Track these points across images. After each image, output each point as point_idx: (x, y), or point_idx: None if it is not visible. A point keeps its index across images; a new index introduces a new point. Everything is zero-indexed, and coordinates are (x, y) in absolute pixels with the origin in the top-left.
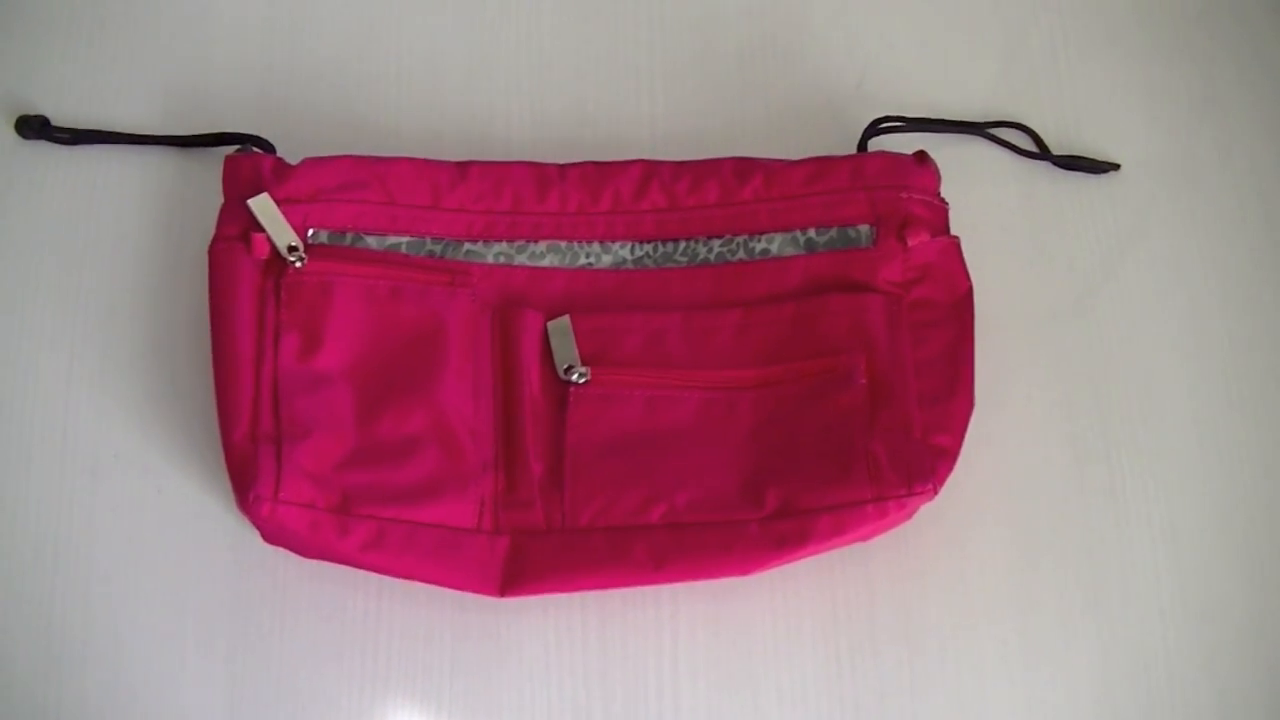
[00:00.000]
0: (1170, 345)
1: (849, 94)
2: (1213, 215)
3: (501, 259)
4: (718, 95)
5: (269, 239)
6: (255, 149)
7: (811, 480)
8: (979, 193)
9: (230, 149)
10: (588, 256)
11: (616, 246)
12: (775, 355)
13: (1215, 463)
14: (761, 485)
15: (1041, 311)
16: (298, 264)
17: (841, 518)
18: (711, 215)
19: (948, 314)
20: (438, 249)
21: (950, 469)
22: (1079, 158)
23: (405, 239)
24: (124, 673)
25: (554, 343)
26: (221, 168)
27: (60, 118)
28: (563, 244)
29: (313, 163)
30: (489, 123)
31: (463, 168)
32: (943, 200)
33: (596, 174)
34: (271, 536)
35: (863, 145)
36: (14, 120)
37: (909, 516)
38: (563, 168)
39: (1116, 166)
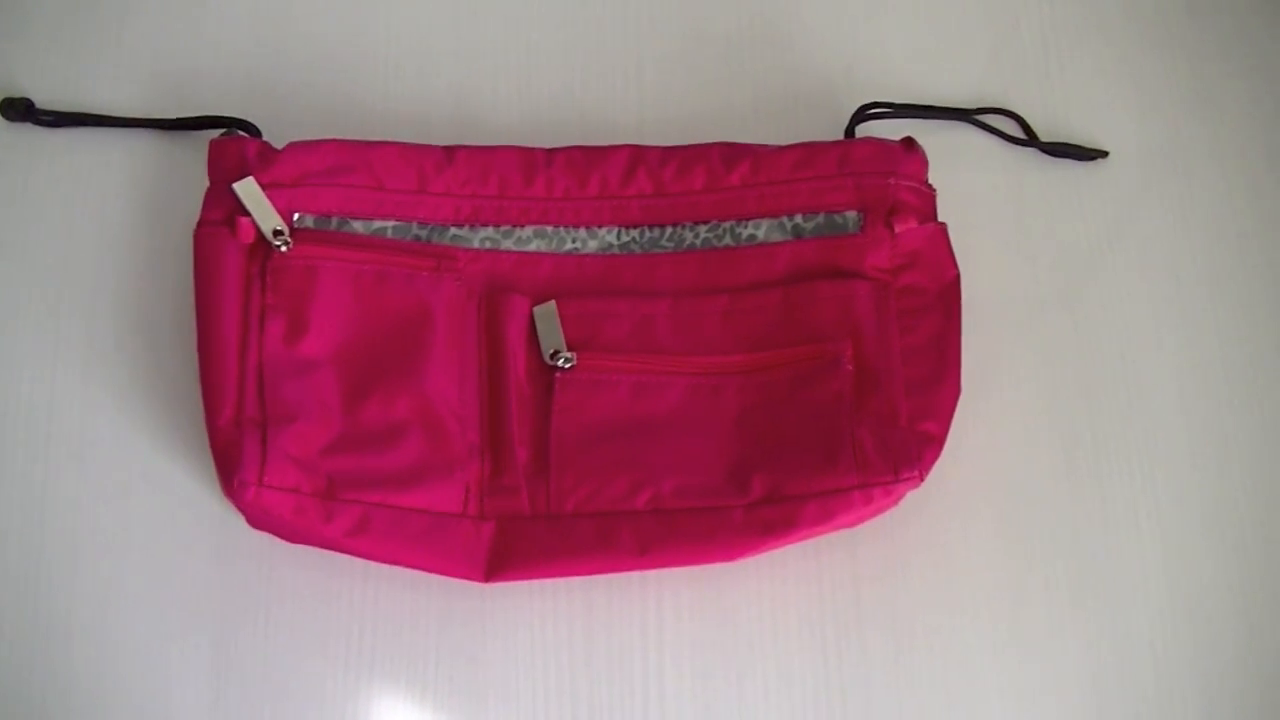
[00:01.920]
0: (1158, 333)
1: (837, 80)
2: (1201, 204)
3: (488, 244)
4: (705, 80)
5: (254, 223)
6: (241, 133)
7: (798, 466)
8: (967, 179)
9: (215, 133)
10: (574, 242)
11: (603, 232)
12: (762, 341)
13: (1202, 451)
14: (748, 471)
15: (1029, 298)
16: (283, 248)
17: (828, 504)
18: (698, 201)
19: (935, 301)
20: (424, 234)
21: (937, 456)
22: (1067, 145)
23: (391, 224)
24: (109, 656)
25: (540, 328)
26: (207, 151)
27: (45, 100)
28: (549, 229)
29: (298, 147)
30: (476, 107)
31: (449, 152)
32: (930, 186)
33: (584, 159)
34: (257, 521)
35: (850, 131)
36: None
37: (895, 503)
38: (550, 153)
39: (1105, 154)
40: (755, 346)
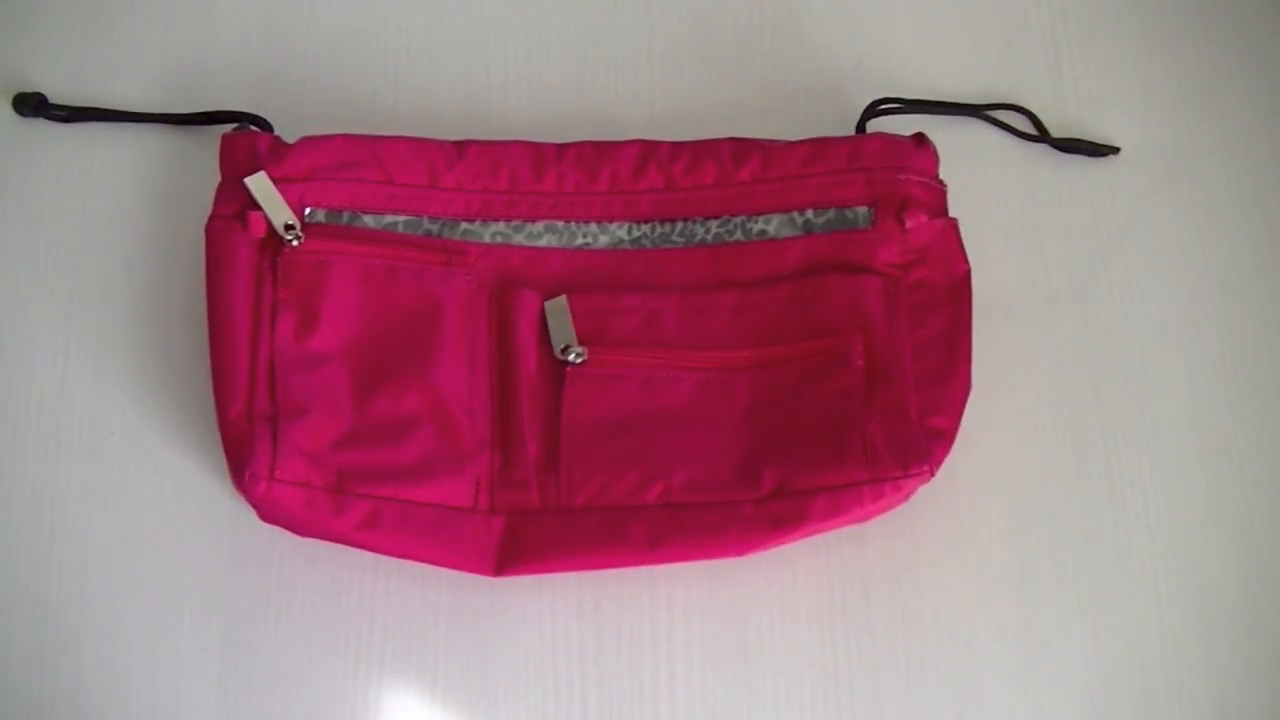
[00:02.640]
0: (1168, 330)
1: (848, 75)
2: (1212, 200)
3: (499, 239)
4: (716, 75)
5: (266, 217)
6: (252, 127)
7: (808, 461)
8: (978, 175)
9: (227, 127)
10: (585, 236)
11: (614, 227)
12: (772, 336)
13: (1211, 449)
14: (758, 466)
15: (1039, 295)
16: (294, 243)
17: (837, 499)
18: (709, 196)
19: (945, 296)
20: (435, 228)
21: (947, 451)
22: (1078, 141)
23: (402, 218)
24: (119, 650)
25: (551, 323)
26: (218, 146)
27: (57, 95)
28: (560, 224)
29: (310, 141)
30: (486, 102)
31: (460, 147)
32: (941, 182)
33: (594, 154)
34: (267, 515)
35: (861, 126)
36: (11, 98)
37: (905, 498)
38: (560, 147)
39: (1116, 150)
40: (765, 341)
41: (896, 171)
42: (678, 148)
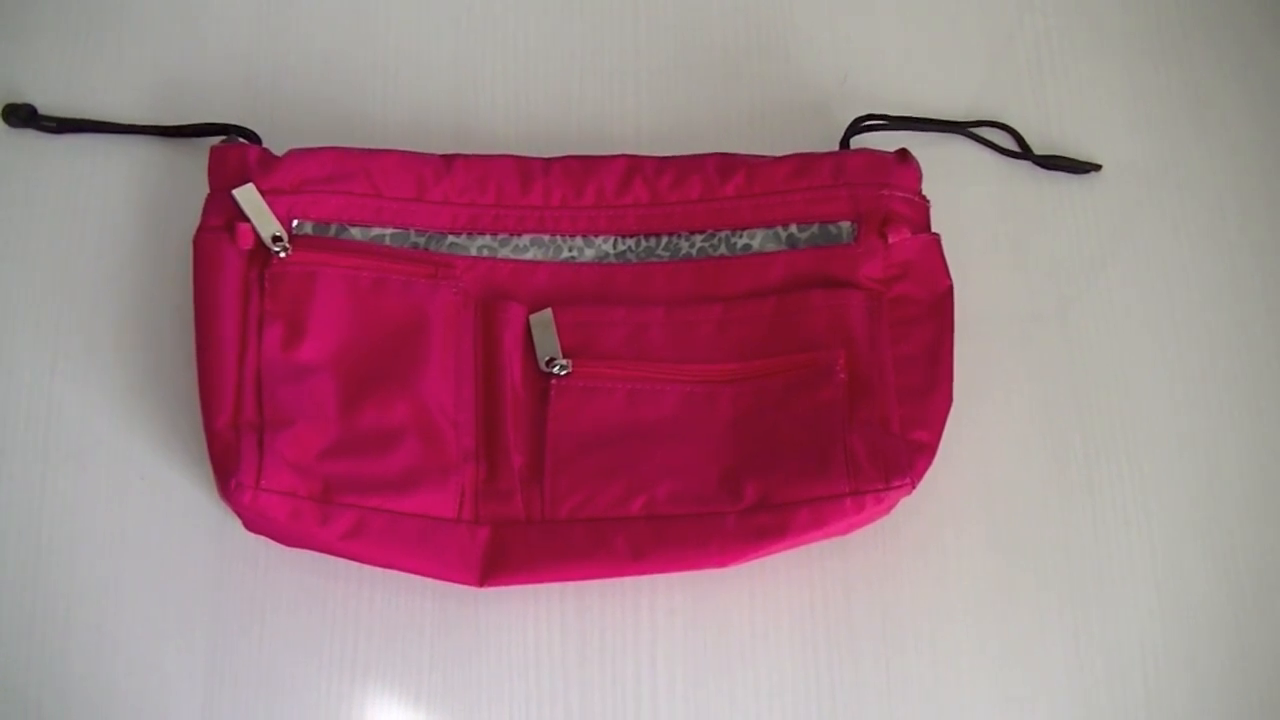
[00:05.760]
0: (1150, 345)
1: (832, 92)
2: (1194, 217)
3: (485, 252)
4: (702, 91)
5: (254, 229)
6: (241, 139)
7: (790, 474)
8: (961, 191)
9: (216, 139)
10: (570, 250)
11: (599, 241)
12: (756, 350)
13: (1193, 462)
14: (740, 478)
15: (1022, 310)
16: (282, 254)
17: (820, 511)
18: (694, 210)
19: (928, 311)
20: (422, 241)
21: (928, 464)
22: (1061, 158)
23: (390, 231)
24: (105, 659)
25: (536, 335)
26: (207, 158)
27: (47, 106)
28: (546, 238)
29: (298, 154)
30: (474, 116)
31: (448, 161)
32: (924, 198)
33: (580, 168)
34: (253, 525)
35: (845, 143)
36: (1, 108)
37: (887, 511)
38: (547, 162)
39: (1098, 167)
40: (749, 355)
41: (880, 187)
42: (663, 163)
